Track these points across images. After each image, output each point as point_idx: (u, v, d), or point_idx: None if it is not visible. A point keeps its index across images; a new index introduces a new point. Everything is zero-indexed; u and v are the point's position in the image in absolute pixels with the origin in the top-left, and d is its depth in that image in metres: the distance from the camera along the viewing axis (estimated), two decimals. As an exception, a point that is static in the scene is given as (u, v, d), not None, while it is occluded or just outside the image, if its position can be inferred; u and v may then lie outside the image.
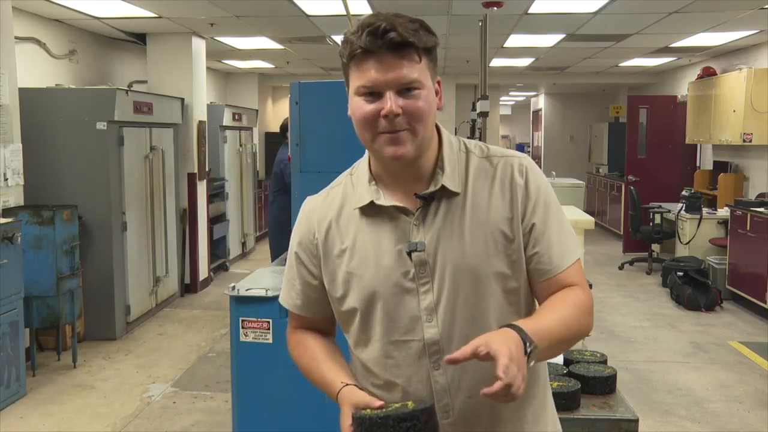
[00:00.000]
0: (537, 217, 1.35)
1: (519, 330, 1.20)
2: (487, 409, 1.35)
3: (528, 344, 1.19)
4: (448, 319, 1.32)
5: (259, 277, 3.23)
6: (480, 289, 1.32)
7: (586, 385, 2.28)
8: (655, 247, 8.82)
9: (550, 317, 1.30)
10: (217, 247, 8.65)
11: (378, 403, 1.28)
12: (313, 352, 1.48)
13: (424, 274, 1.33)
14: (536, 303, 1.44)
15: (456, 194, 1.34)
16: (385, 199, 1.36)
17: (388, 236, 1.35)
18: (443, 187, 1.34)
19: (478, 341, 1.16)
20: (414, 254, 1.32)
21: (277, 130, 6.22)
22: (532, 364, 1.20)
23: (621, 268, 8.66)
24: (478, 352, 1.15)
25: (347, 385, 1.36)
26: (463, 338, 1.28)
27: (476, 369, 1.27)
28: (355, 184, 1.42)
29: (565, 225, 1.40)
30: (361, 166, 1.43)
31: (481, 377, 1.27)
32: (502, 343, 1.15)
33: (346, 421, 1.28)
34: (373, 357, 1.38)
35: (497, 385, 1.11)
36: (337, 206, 1.42)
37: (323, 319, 1.51)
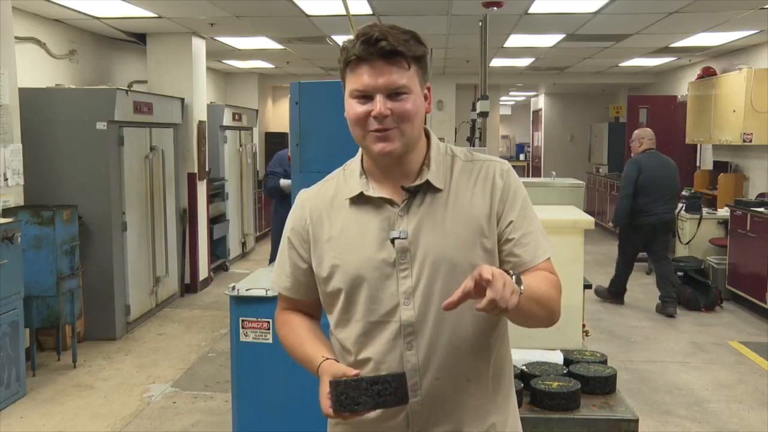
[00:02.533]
0: (514, 215, 1.48)
1: (510, 274, 1.31)
2: (452, 391, 1.46)
3: (513, 275, 1.30)
4: (424, 303, 1.44)
5: (259, 277, 3.23)
6: (456, 278, 1.40)
7: (586, 385, 2.28)
8: (655, 247, 8.81)
9: (529, 278, 1.40)
10: (217, 247, 8.65)
11: (354, 371, 1.39)
12: (297, 331, 1.59)
13: (404, 260, 1.44)
14: None
15: (439, 190, 1.47)
16: (374, 191, 1.48)
17: (375, 224, 1.47)
18: (428, 182, 1.47)
19: (465, 281, 1.25)
20: (397, 241, 1.44)
21: (278, 130, 6.22)
22: (521, 290, 1.30)
23: (621, 268, 8.64)
24: (467, 287, 1.24)
25: (327, 359, 1.46)
26: (437, 322, 1.44)
27: (445, 352, 1.44)
28: (347, 178, 1.55)
29: (539, 226, 1.53)
30: (354, 163, 1.56)
31: (449, 360, 1.44)
32: (487, 267, 1.24)
33: (325, 389, 1.38)
34: (352, 336, 1.49)
35: (484, 301, 1.21)
36: (329, 197, 1.54)
37: (310, 302, 1.61)
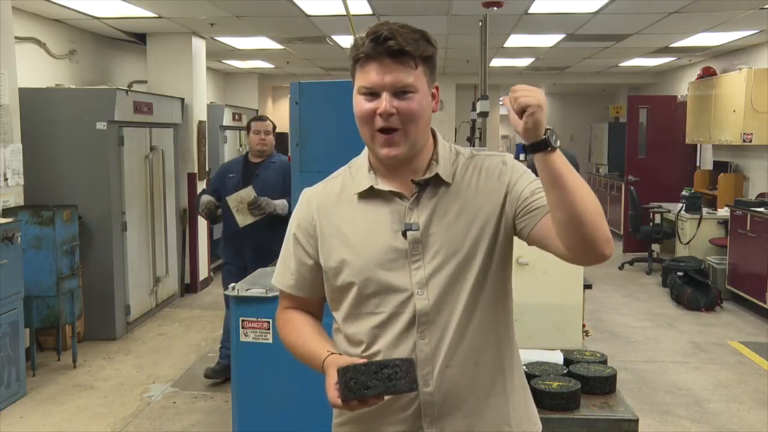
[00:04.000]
0: (523, 185, 1.49)
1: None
2: (463, 379, 1.47)
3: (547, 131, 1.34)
4: (438, 293, 1.46)
5: (259, 277, 3.23)
6: (465, 267, 1.47)
7: (586, 385, 2.28)
8: (655, 247, 8.83)
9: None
10: (217, 247, 8.62)
11: (360, 361, 1.37)
12: (300, 329, 1.58)
13: (416, 251, 1.47)
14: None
15: (447, 184, 1.50)
16: (383, 185, 1.50)
17: (385, 218, 1.49)
18: (437, 175, 1.49)
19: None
20: (408, 233, 1.46)
21: (278, 130, 5.50)
22: (549, 149, 1.33)
23: (621, 268, 8.66)
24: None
25: (333, 353, 1.47)
26: (450, 311, 1.46)
27: (457, 340, 1.46)
28: (354, 174, 1.56)
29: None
30: (360, 160, 1.58)
31: (461, 348, 1.46)
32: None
33: (332, 381, 1.37)
34: (364, 329, 1.49)
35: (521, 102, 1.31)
36: (336, 193, 1.56)
37: (313, 301, 1.62)
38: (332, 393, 1.36)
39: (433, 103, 1.50)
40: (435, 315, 1.45)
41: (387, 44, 1.39)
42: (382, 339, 1.47)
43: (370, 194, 1.51)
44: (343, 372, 1.33)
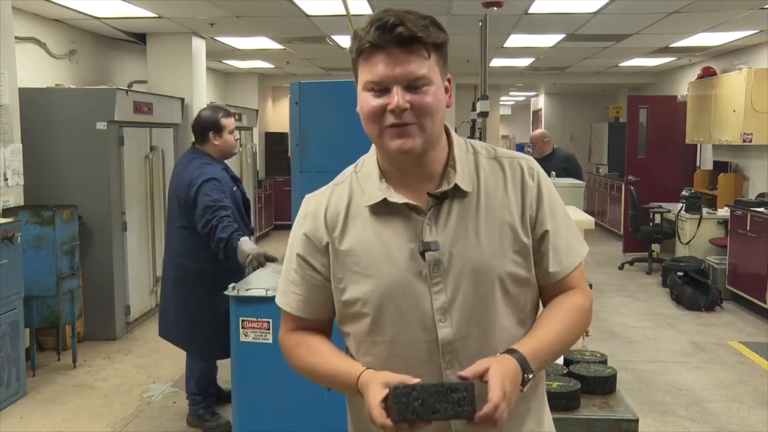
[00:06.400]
0: (549, 224, 1.38)
1: (521, 359, 1.26)
2: None
3: (526, 374, 1.26)
4: (463, 319, 1.32)
5: (259, 277, 3.23)
6: (493, 288, 1.33)
7: (586, 385, 2.27)
8: (655, 247, 8.82)
9: (549, 332, 1.35)
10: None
11: (415, 380, 1.21)
12: (318, 349, 1.41)
13: (437, 274, 1.31)
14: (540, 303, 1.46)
15: (467, 193, 1.34)
16: (398, 197, 1.34)
17: (400, 235, 1.33)
18: (456, 186, 1.33)
19: (481, 366, 1.23)
20: (428, 254, 1.31)
21: (278, 130, 5.02)
22: (525, 389, 1.27)
23: (621, 268, 8.66)
24: (480, 376, 1.22)
25: (369, 368, 1.31)
26: (477, 338, 1.32)
27: None
28: (363, 181, 1.39)
29: (572, 227, 1.44)
30: (368, 164, 1.41)
31: None
32: (500, 378, 1.21)
33: (376, 398, 1.21)
34: (381, 358, 1.35)
35: (483, 413, 1.18)
36: (344, 204, 1.39)
37: (322, 321, 1.45)
38: (378, 411, 1.19)
39: (446, 97, 1.33)
40: (461, 343, 1.31)
41: (396, 31, 1.22)
42: (403, 370, 1.28)
43: (383, 207, 1.34)
44: (409, 390, 1.18)
